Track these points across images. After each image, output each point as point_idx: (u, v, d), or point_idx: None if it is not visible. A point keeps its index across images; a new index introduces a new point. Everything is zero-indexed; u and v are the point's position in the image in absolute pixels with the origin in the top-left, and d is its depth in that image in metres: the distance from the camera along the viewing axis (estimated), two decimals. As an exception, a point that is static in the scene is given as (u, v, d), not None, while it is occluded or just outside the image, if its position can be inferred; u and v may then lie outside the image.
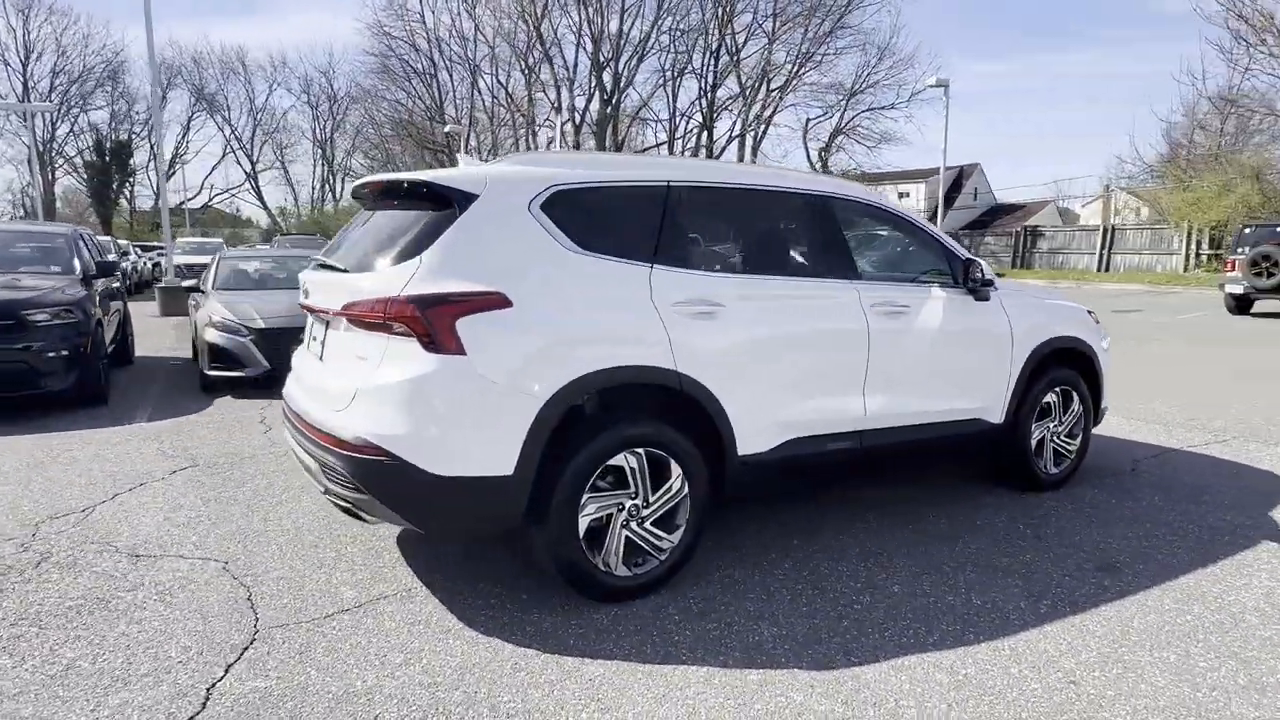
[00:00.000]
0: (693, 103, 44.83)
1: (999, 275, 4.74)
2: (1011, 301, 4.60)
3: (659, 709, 2.62)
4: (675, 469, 3.41)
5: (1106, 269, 29.03)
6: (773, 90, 41.08)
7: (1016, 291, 4.84)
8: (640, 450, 3.31)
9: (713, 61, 41.31)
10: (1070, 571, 3.68)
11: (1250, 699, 2.68)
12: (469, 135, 37.77)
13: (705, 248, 3.79)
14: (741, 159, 41.66)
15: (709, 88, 41.74)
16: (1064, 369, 4.82)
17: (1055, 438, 4.88)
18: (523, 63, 43.40)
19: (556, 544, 3.18)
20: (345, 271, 3.51)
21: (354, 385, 3.16)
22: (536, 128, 45.84)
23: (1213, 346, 11.64)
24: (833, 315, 3.89)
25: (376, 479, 3.03)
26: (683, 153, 43.70)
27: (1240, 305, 16.23)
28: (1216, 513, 4.46)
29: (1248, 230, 16.86)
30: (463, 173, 3.37)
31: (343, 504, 3.35)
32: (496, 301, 3.06)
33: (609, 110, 40.59)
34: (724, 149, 42.81)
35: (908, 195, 46.77)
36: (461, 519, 3.18)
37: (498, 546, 3.80)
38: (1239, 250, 16.21)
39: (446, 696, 2.68)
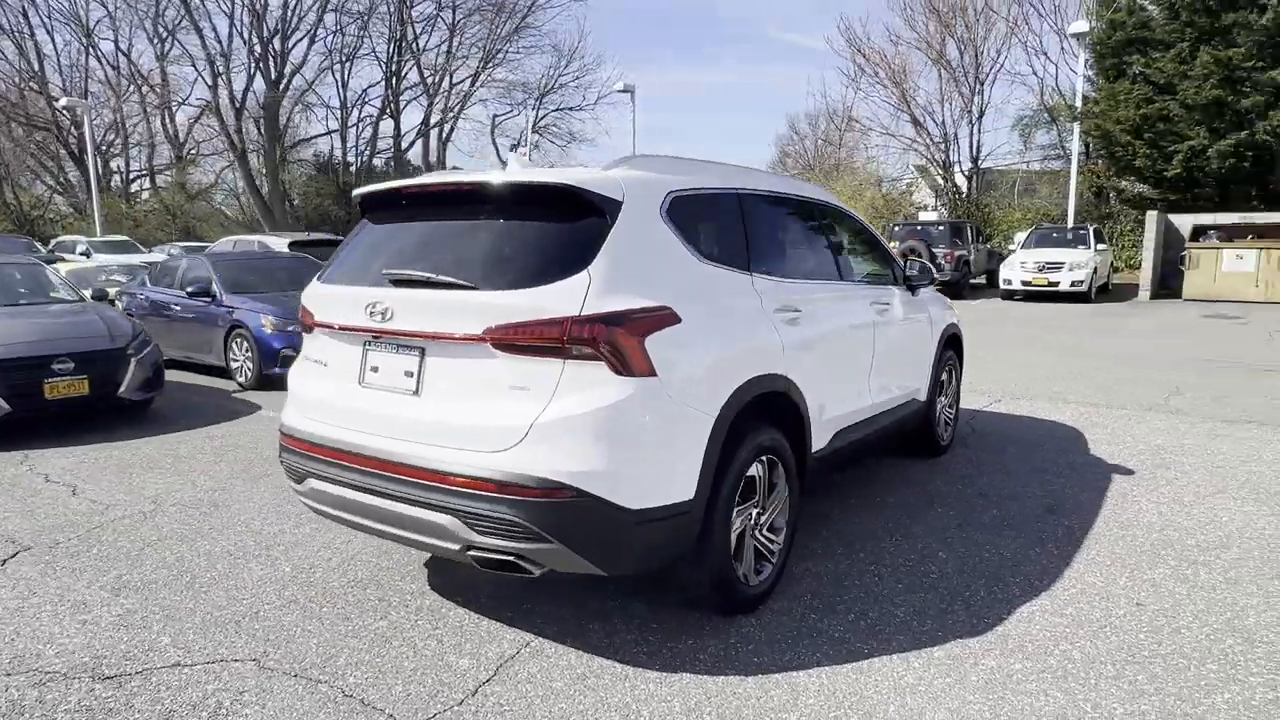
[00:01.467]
0: (367, 89, 42.16)
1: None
2: (927, 295, 5.41)
3: (902, 697, 2.74)
4: (781, 473, 3.50)
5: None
6: (457, 84, 40.37)
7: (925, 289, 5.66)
8: (764, 458, 3.35)
9: (395, 51, 39.34)
10: (1027, 511, 4.55)
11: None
12: (89, 112, 31.24)
13: (778, 255, 3.90)
14: (426, 152, 40.41)
15: (391, 74, 39.69)
16: (950, 349, 5.76)
17: (947, 408, 5.81)
18: (151, 29, 37.21)
19: (713, 562, 3.11)
20: (459, 287, 2.92)
21: (523, 419, 2.73)
22: (175, 107, 39.71)
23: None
24: (857, 314, 4.31)
25: (569, 523, 2.70)
26: (357, 143, 41.13)
27: (892, 290, 20.03)
28: (1041, 454, 5.75)
29: (896, 228, 20.83)
30: (596, 176, 3.06)
31: (496, 558, 2.82)
32: (669, 318, 2.91)
33: (278, 94, 36.54)
34: (412, 143, 41.12)
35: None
36: (651, 554, 2.94)
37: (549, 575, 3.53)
38: (891, 245, 19.98)
39: None
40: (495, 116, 42.02)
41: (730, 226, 3.53)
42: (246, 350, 8.42)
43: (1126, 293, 19.43)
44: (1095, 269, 18.02)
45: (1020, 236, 22.67)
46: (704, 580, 3.16)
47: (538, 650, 3.05)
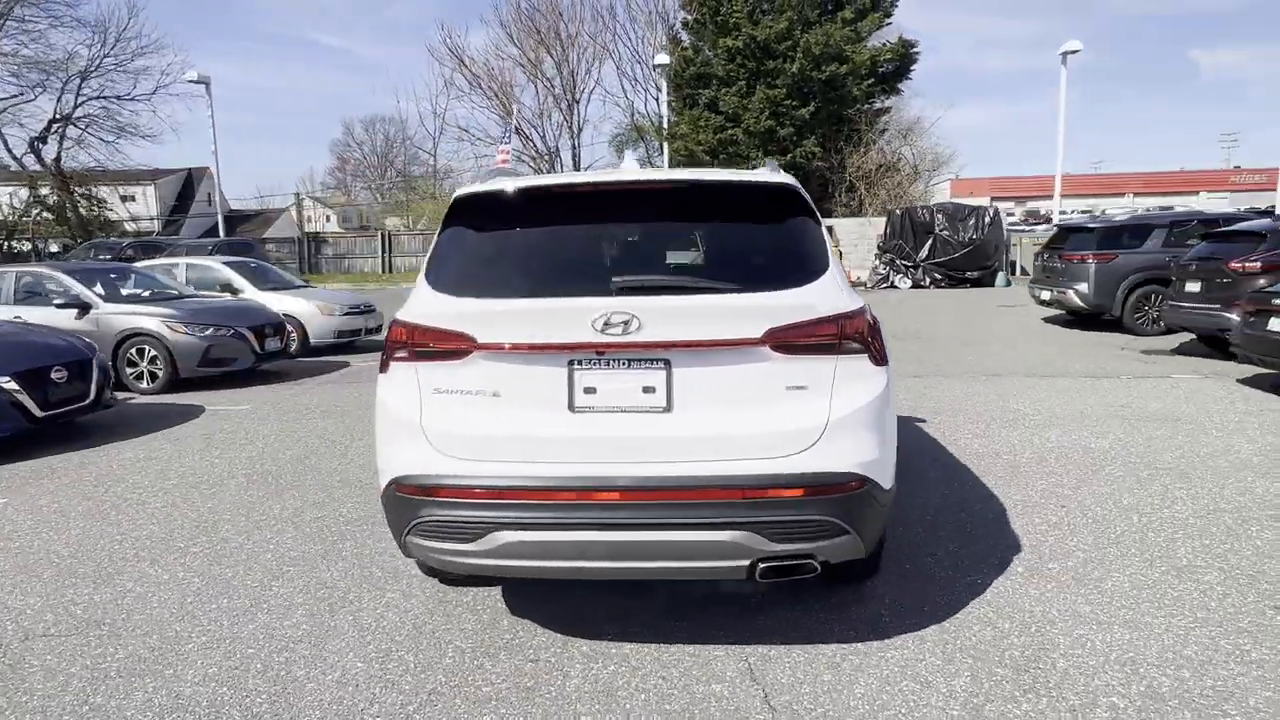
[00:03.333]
0: None
1: None
2: None
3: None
4: None
5: (390, 270, 32.93)
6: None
7: None
8: None
9: None
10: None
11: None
12: None
13: None
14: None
15: None
16: None
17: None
18: None
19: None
20: (717, 291, 2.78)
21: (816, 418, 2.69)
22: None
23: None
24: None
25: (861, 511, 2.71)
26: None
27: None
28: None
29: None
30: (780, 176, 3.09)
31: (787, 564, 2.71)
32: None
33: None
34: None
35: (134, 199, 42.26)
36: (880, 531, 2.95)
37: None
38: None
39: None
40: (-1, 99, 33.59)
41: None
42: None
43: None
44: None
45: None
46: (877, 552, 3.29)
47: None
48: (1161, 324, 11.88)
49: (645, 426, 2.71)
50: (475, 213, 3.03)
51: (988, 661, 2.89)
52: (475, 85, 30.84)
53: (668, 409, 2.71)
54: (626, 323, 2.67)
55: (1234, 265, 9.72)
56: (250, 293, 11.63)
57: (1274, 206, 39.38)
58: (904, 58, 27.07)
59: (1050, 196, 28.52)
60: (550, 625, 3.22)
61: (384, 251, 33.44)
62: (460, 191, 3.10)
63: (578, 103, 31.29)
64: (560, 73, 31.03)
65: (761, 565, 2.68)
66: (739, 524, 2.62)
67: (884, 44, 26.57)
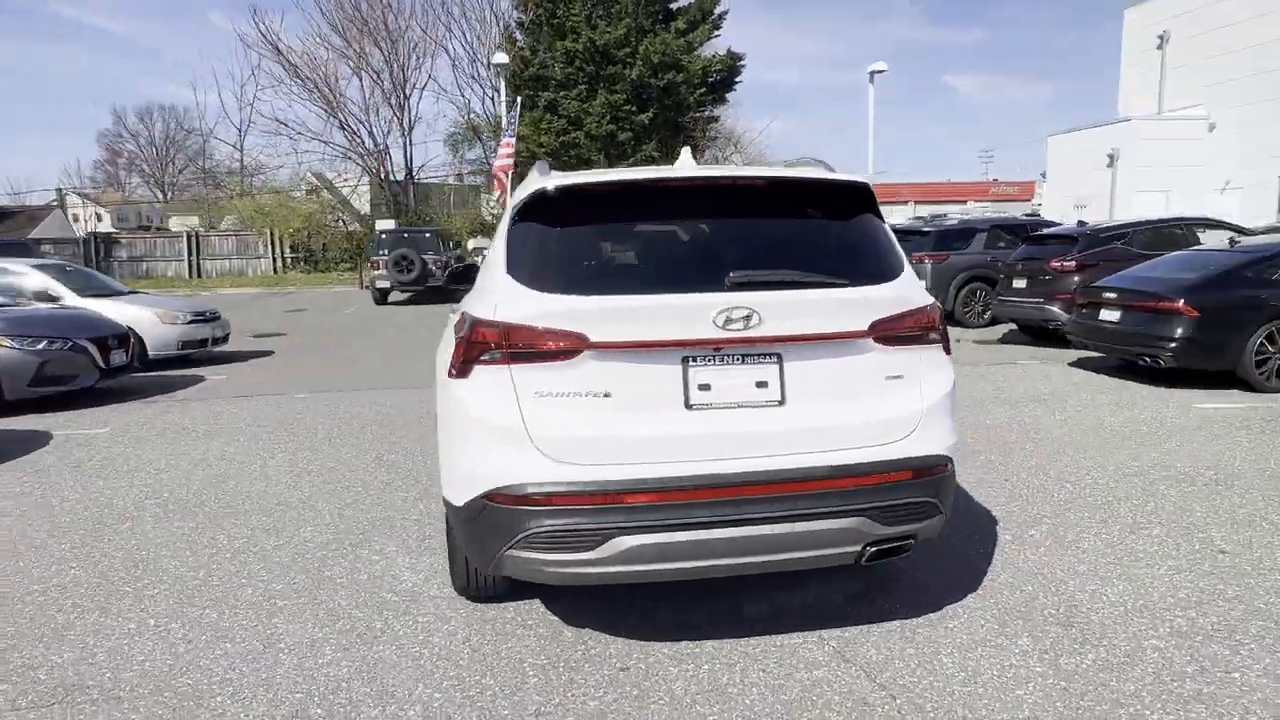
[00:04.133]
0: None
1: None
2: None
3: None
4: None
5: (199, 275, 29.81)
6: None
7: None
8: None
9: None
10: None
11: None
12: None
13: None
14: None
15: None
16: None
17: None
18: None
19: None
20: (825, 285, 2.84)
21: (914, 405, 2.84)
22: None
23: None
24: None
25: (946, 491, 2.92)
26: None
27: (383, 296, 20.38)
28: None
29: (384, 236, 21.10)
30: (847, 175, 3.14)
31: (891, 547, 2.84)
32: None
33: None
34: None
35: None
36: None
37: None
38: (380, 252, 20.25)
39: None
40: None
41: None
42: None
43: None
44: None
45: (472, 243, 25.36)
46: None
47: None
48: (986, 316, 13.43)
49: (761, 421, 2.71)
50: (561, 206, 2.86)
51: (1035, 621, 3.17)
52: (294, 75, 28.67)
53: (781, 402, 2.74)
54: (747, 317, 2.66)
55: (1054, 264, 11.18)
56: (72, 300, 10.13)
57: (1031, 214, 45.54)
58: (731, 69, 28.46)
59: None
60: (615, 632, 3.13)
61: (191, 254, 30.28)
62: (541, 184, 2.87)
63: (409, 98, 30.05)
64: (390, 66, 29.62)
65: (870, 549, 2.79)
66: (854, 511, 2.71)
67: (714, 55, 27.78)
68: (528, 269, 2.76)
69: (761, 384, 2.73)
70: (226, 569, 3.83)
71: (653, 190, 2.97)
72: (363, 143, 29.90)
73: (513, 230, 2.89)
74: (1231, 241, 9.15)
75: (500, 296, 2.72)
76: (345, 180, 32.48)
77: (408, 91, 30.20)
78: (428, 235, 21.48)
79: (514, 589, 3.30)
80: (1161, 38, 26.10)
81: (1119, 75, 28.62)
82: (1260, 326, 7.54)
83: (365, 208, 33.21)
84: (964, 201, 69.02)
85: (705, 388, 2.70)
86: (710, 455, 2.66)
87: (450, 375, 2.80)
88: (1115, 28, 27.93)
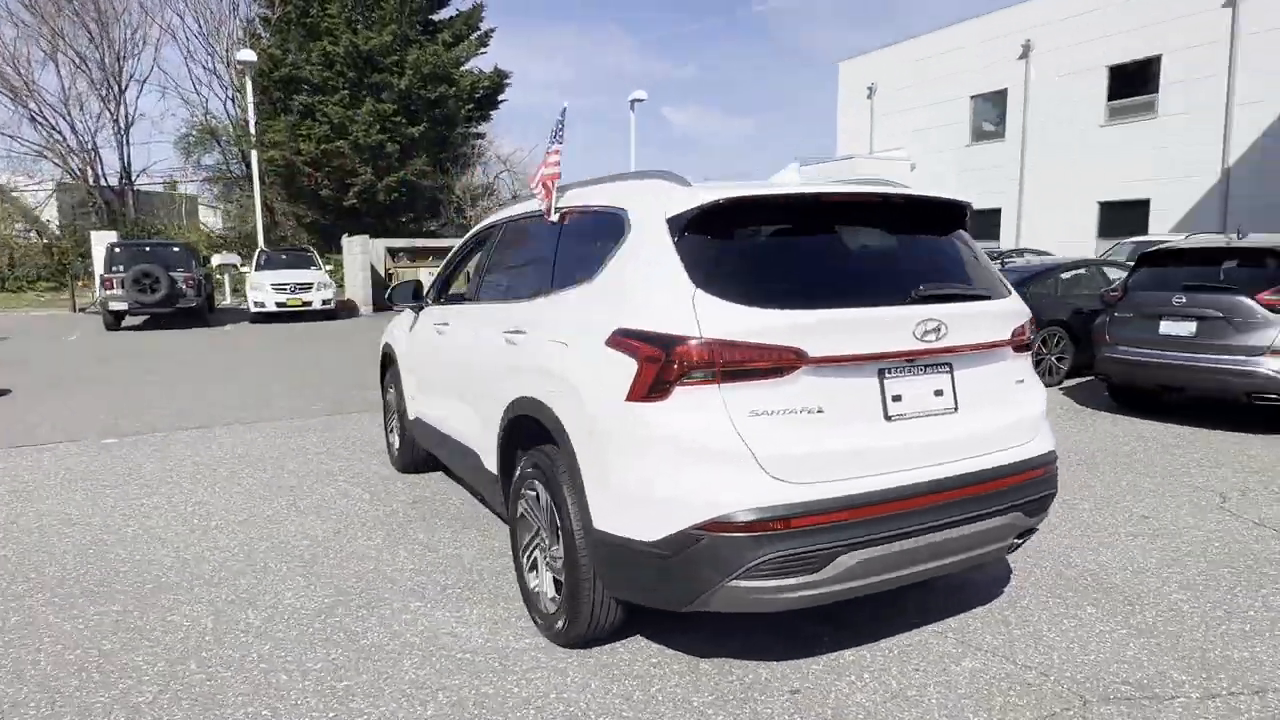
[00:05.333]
0: None
1: None
2: None
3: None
4: None
5: None
6: None
7: None
8: None
9: None
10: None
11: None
12: None
13: None
14: None
15: None
16: None
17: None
18: None
19: None
20: (980, 298, 2.99)
21: (1035, 406, 3.11)
22: None
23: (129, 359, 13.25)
24: None
25: (1057, 481, 3.17)
26: None
27: (117, 320, 17.38)
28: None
29: (118, 250, 17.90)
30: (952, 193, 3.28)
31: (1025, 539, 3.14)
32: None
33: None
34: None
35: None
36: None
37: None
38: (114, 268, 17.21)
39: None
40: None
41: None
42: None
43: (354, 309, 21.69)
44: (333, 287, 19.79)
45: (217, 259, 22.54)
46: None
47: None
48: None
49: (941, 429, 2.81)
50: (732, 219, 2.75)
51: (1090, 589, 3.59)
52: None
53: (954, 409, 2.86)
54: (937, 329, 2.75)
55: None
56: None
57: None
58: (498, 87, 28.26)
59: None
60: (746, 656, 3.02)
61: None
62: (721, 195, 2.71)
63: (124, 91, 25.77)
64: (100, 51, 25.20)
65: (1016, 541, 3.04)
66: (1011, 507, 2.91)
67: (482, 72, 27.40)
68: (722, 283, 2.59)
69: (939, 392, 2.84)
70: (224, 656, 3.08)
71: (816, 204, 2.93)
72: (63, 140, 25.12)
73: (681, 242, 2.69)
74: (1002, 262, 10.95)
75: (701, 312, 2.53)
76: (39, 185, 27.12)
77: (124, 83, 25.97)
78: (176, 250, 18.67)
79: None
80: (870, 88, 30.43)
81: (836, 118, 32.85)
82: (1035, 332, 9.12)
83: (55, 217, 27.98)
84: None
85: (898, 399, 2.74)
86: (909, 465, 2.71)
87: (631, 399, 2.54)
88: (832, 74, 31.90)
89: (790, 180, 3.59)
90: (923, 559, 2.74)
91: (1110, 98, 22.42)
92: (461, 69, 26.28)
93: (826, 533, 2.53)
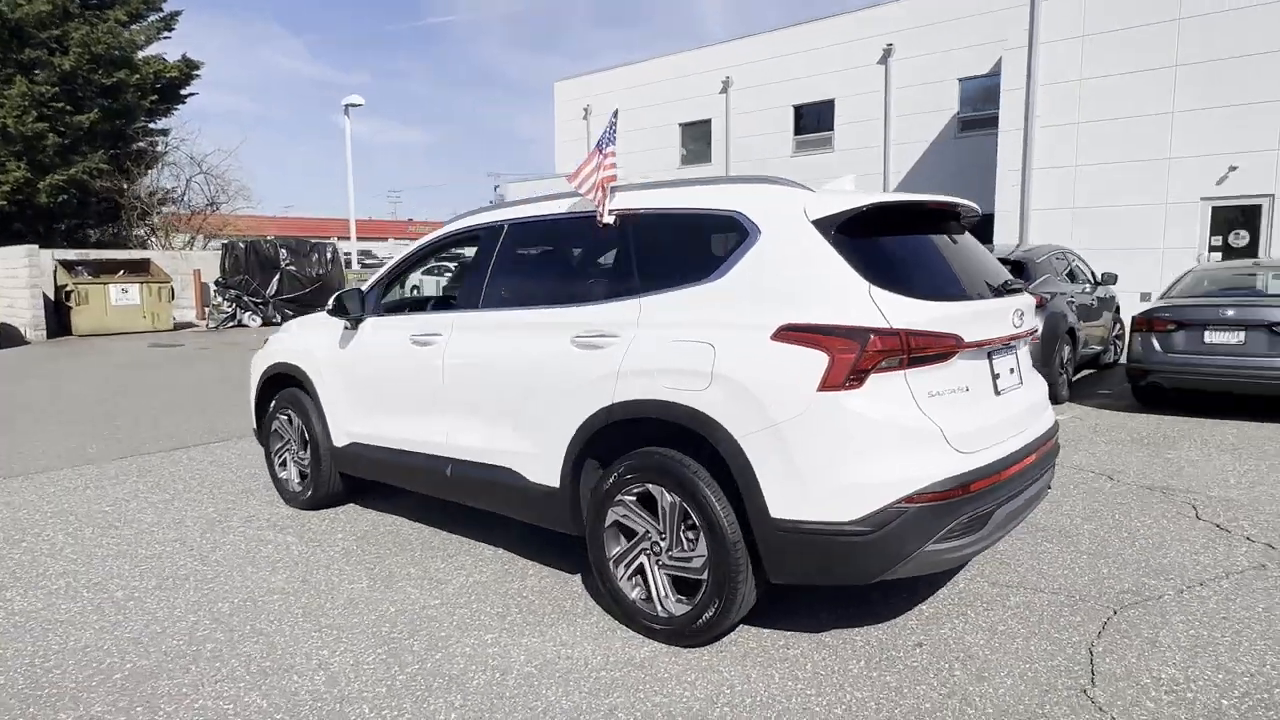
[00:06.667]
0: None
1: None
2: None
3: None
4: None
5: None
6: None
7: None
8: None
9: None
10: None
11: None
12: None
13: None
14: None
15: None
16: None
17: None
18: None
19: None
20: (1022, 291, 3.56)
21: (1044, 385, 3.74)
22: None
23: None
24: None
25: None
26: None
27: None
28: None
29: None
30: None
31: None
32: None
33: None
34: None
35: None
36: None
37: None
38: None
39: None
40: None
41: None
42: None
43: (16, 337, 17.51)
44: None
45: None
46: None
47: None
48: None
49: (1021, 400, 3.34)
50: (874, 221, 3.03)
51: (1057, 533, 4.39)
52: None
53: (1021, 383, 3.41)
54: (1022, 315, 3.33)
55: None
56: None
57: None
58: (186, 77, 24.81)
59: (345, 237, 30.33)
60: (850, 624, 3.30)
61: None
62: (868, 200, 2.99)
63: None
64: None
65: (1049, 489, 3.69)
66: (1052, 465, 3.54)
67: (167, 60, 23.84)
68: (886, 279, 2.84)
69: (1012, 370, 3.36)
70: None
71: (924, 210, 3.32)
72: None
73: (837, 242, 2.90)
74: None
75: (882, 305, 2.77)
76: None
77: None
78: None
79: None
80: (586, 109, 31.95)
81: (554, 136, 33.92)
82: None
83: None
84: (384, 238, 72.02)
85: (998, 376, 3.23)
86: (1014, 431, 3.18)
87: (825, 389, 2.69)
88: (519, 92, 32.81)
89: (847, 188, 3.92)
90: (1024, 510, 3.27)
91: (796, 132, 26.10)
92: (142, 54, 22.66)
93: (991, 494, 2.93)
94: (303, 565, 4.05)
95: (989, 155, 17.61)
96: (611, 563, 3.29)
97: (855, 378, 2.71)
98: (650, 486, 3.12)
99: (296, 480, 5.01)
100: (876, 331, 2.73)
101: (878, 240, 3.05)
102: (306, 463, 4.90)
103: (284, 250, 20.72)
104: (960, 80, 22.29)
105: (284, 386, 5.05)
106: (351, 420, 4.53)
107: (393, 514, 4.86)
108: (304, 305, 20.79)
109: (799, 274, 2.92)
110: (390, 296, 4.69)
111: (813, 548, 2.79)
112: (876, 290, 2.81)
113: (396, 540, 4.40)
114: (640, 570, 3.23)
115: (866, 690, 2.81)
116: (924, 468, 2.76)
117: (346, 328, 4.57)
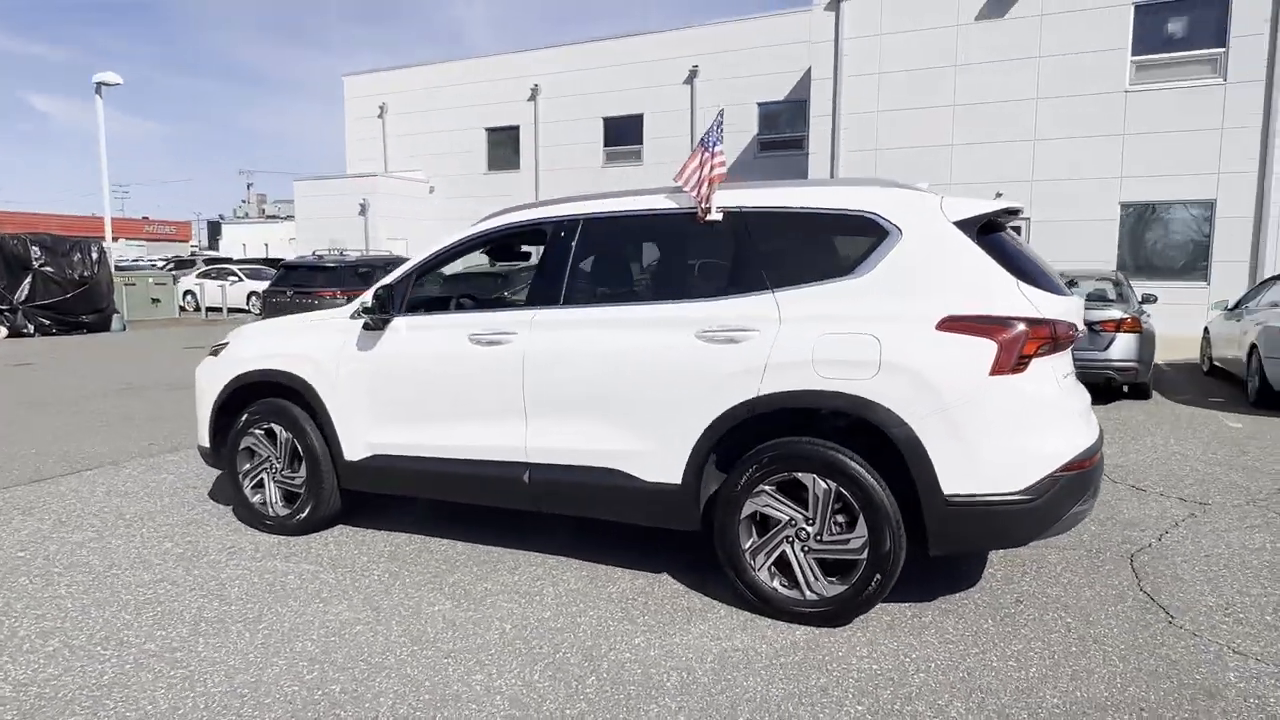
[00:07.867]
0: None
1: None
2: None
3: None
4: None
5: None
6: None
7: None
8: None
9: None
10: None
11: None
12: None
13: None
14: None
15: None
16: None
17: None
18: None
19: None
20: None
21: None
22: None
23: None
24: None
25: None
26: None
27: None
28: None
29: None
30: None
31: None
32: None
33: None
34: None
35: None
36: None
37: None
38: None
39: None
40: None
41: None
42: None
43: None
44: None
45: None
46: None
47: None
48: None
49: (1072, 393, 3.47)
50: (988, 225, 3.36)
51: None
52: None
53: (1067, 376, 3.69)
54: (1086, 309, 3.77)
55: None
56: None
57: (193, 252, 44.11)
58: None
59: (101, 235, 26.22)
60: (903, 599, 3.63)
61: None
62: (993, 206, 3.36)
63: None
64: None
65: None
66: None
67: None
68: (1021, 274, 3.18)
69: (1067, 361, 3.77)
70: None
71: (1012, 213, 3.59)
72: None
73: (980, 241, 3.21)
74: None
75: (1032, 298, 3.11)
76: None
77: None
78: None
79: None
80: (382, 108, 30.36)
81: (345, 134, 31.80)
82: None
83: None
84: (116, 238, 63.39)
85: (1055, 368, 3.45)
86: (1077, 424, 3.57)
87: (996, 373, 2.99)
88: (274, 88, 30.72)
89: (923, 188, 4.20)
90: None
91: (607, 144, 26.72)
92: None
93: (1101, 464, 3.40)
94: (355, 593, 3.62)
95: (788, 175, 19.37)
96: (748, 554, 3.34)
97: (1021, 362, 3.04)
98: (799, 475, 3.23)
99: (280, 502, 4.42)
100: (1033, 321, 3.08)
101: (1000, 240, 3.40)
102: (298, 482, 4.34)
103: (36, 248, 17.58)
104: (759, 104, 24.15)
105: (261, 397, 4.44)
106: (376, 430, 4.10)
107: (392, 530, 4.47)
108: (64, 313, 17.86)
109: (949, 270, 3.18)
110: (420, 293, 4.35)
111: (980, 518, 3.07)
112: (1022, 285, 3.16)
113: (435, 557, 4.06)
114: (782, 559, 3.32)
115: (1017, 642, 3.14)
116: (1071, 440, 3.16)
117: (366, 327, 4.14)
